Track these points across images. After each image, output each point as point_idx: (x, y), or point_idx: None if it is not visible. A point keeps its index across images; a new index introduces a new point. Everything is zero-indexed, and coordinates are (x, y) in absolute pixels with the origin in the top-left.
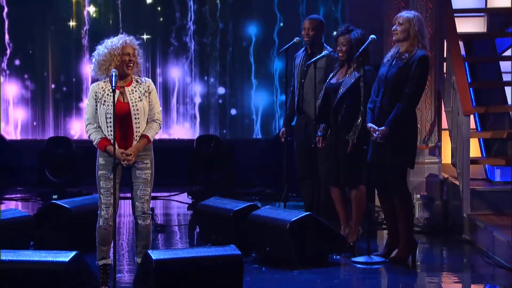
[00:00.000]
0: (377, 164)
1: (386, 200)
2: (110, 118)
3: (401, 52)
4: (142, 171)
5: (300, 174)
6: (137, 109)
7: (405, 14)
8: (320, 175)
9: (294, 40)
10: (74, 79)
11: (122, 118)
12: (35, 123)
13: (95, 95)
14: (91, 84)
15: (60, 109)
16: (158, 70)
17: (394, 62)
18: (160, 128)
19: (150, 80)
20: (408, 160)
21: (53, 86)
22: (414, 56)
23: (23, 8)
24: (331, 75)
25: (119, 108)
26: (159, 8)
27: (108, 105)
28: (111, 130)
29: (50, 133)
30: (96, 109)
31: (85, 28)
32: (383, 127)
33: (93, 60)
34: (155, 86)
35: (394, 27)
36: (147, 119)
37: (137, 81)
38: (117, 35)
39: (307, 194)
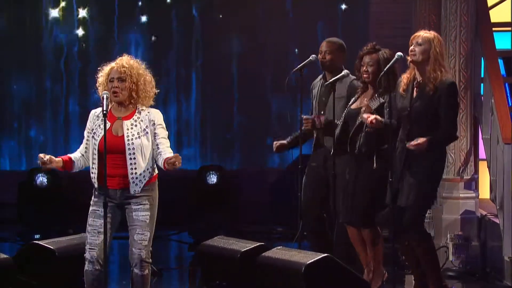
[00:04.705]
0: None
1: (403, 242)
2: (95, 154)
3: (423, 81)
4: (139, 213)
5: (304, 207)
6: (133, 147)
7: (424, 33)
8: (337, 212)
9: (310, 58)
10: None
11: (112, 155)
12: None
13: (90, 124)
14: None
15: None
16: None
17: (415, 93)
18: None
19: (157, 110)
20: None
21: None
22: (441, 84)
23: None
24: (352, 100)
25: (110, 143)
26: None
27: (96, 139)
28: (95, 168)
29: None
30: (88, 141)
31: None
32: (424, 138)
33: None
34: None
35: (411, 47)
36: (160, 153)
37: (140, 113)
38: None
39: (311, 229)
